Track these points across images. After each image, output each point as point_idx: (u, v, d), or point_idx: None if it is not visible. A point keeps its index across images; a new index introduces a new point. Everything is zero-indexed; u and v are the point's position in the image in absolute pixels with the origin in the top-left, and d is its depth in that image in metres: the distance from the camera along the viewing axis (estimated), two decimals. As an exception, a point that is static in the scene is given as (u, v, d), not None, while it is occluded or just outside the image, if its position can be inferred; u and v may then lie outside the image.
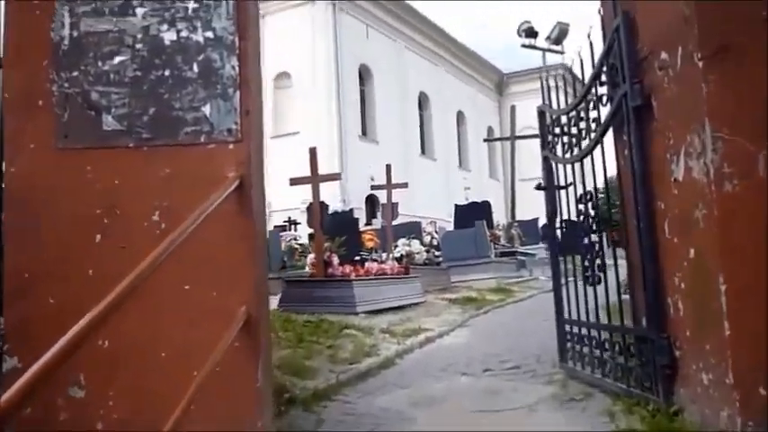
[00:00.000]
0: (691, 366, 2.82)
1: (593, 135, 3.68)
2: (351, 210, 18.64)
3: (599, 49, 3.55)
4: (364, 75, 35.56)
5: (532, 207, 39.67)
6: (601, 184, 3.81)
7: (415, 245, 11.24)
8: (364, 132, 34.96)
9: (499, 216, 46.56)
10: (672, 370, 2.98)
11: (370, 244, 16.26)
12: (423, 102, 40.77)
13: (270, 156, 32.63)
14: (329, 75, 31.93)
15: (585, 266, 3.91)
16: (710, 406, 2.65)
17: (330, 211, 30.67)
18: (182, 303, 2.47)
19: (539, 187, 4.57)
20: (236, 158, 2.51)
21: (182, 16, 2.54)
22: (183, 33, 2.54)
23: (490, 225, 15.44)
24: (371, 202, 34.24)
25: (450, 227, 38.29)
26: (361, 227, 21.29)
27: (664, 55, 2.87)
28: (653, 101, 3.00)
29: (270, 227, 30.27)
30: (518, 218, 29.34)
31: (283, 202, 31.80)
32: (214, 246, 2.48)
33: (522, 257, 16.16)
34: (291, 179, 8.81)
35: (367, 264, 8.92)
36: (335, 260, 7.88)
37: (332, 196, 32.06)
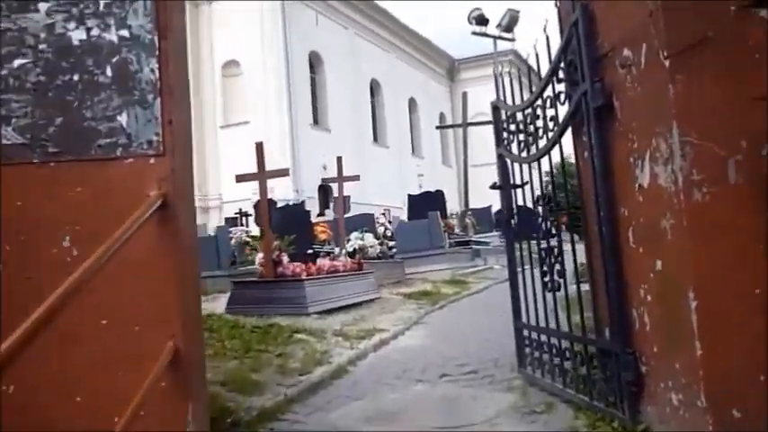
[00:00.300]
0: (659, 384, 2.65)
1: (550, 134, 3.48)
2: (302, 202, 18.27)
3: (555, 42, 3.35)
4: (315, 62, 35.06)
5: (485, 193, 39.92)
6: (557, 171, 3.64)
7: (369, 238, 11.01)
8: (316, 121, 34.54)
9: (453, 204, 46.75)
10: (638, 387, 2.80)
11: (322, 236, 15.97)
12: (374, 89, 40.49)
13: (220, 146, 32.12)
14: (279, 62, 31.37)
15: (544, 271, 3.73)
16: (681, 427, 2.48)
17: (281, 204, 30.36)
18: (99, 340, 2.18)
19: (494, 186, 4.37)
20: (157, 174, 2.22)
21: (92, 12, 2.23)
22: (94, 32, 2.23)
23: (444, 214, 15.30)
24: (324, 191, 33.87)
25: (404, 215, 38.29)
26: (314, 218, 21.00)
27: (627, 52, 2.67)
28: (615, 101, 2.80)
29: (221, 220, 29.75)
30: (471, 205, 29.41)
31: (234, 193, 31.23)
32: (135, 274, 2.20)
33: (477, 246, 16.09)
34: (237, 176, 8.47)
35: (319, 261, 8.66)
36: (285, 259, 7.60)
37: (284, 186, 31.65)
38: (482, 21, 15.14)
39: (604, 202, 2.89)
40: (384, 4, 40.72)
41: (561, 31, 3.31)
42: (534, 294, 4.07)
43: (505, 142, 4.31)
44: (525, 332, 4.25)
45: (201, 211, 31.74)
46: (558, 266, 3.57)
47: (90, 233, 2.17)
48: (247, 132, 31.62)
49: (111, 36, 2.23)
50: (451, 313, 8.40)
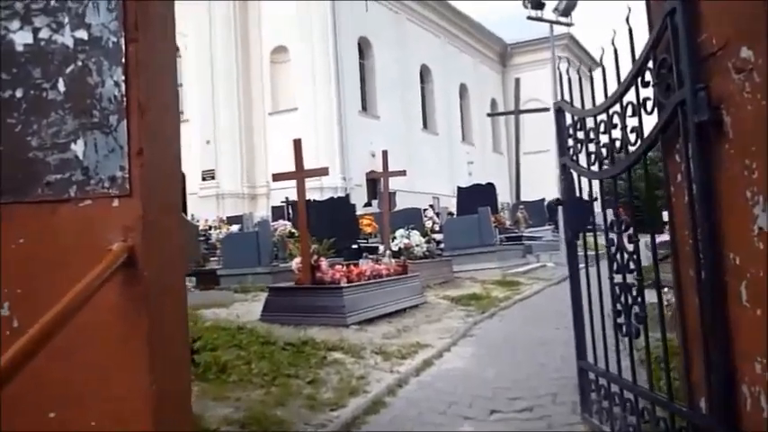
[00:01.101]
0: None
1: (631, 148, 2.84)
2: (347, 195, 17.77)
3: (640, 37, 2.70)
4: (364, 48, 34.47)
5: (537, 181, 38.93)
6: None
7: (415, 237, 10.43)
8: (364, 107, 33.99)
9: (504, 193, 45.77)
10: (745, 483, 2.18)
11: (368, 229, 15.49)
12: (424, 74, 39.68)
13: (268, 133, 31.87)
14: (327, 48, 30.86)
15: (618, 311, 3.10)
16: None
17: (325, 197, 29.99)
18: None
19: (558, 203, 3.74)
20: (122, 220, 1.69)
21: (40, 8, 1.70)
22: (44, 34, 1.70)
23: (495, 209, 14.60)
24: (373, 180, 33.34)
25: (453, 203, 37.56)
26: (361, 209, 20.52)
27: (745, 52, 2.02)
28: (725, 115, 2.16)
29: (268, 208, 29.47)
30: (523, 195, 28.54)
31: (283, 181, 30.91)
32: (91, 352, 1.68)
33: (529, 242, 15.37)
34: (275, 175, 7.99)
35: (361, 263, 8.13)
36: (324, 264, 7.08)
37: (332, 173, 31.25)
38: (538, 5, 14.34)
39: (707, 245, 2.25)
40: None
41: (650, 23, 2.65)
42: (604, 333, 3.45)
43: (571, 151, 3.67)
44: (591, 375, 3.63)
45: (249, 198, 31.62)
46: (636, 308, 2.94)
47: (35, 298, 1.66)
48: (296, 119, 31.30)
49: (65, 39, 1.70)
50: (502, 324, 7.77)
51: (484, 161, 44.88)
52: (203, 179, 31.72)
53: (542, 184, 41.15)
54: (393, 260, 8.79)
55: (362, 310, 6.98)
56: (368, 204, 18.85)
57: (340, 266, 7.45)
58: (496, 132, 47.11)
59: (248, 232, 12.32)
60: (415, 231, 10.55)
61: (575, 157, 3.63)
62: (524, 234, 15.44)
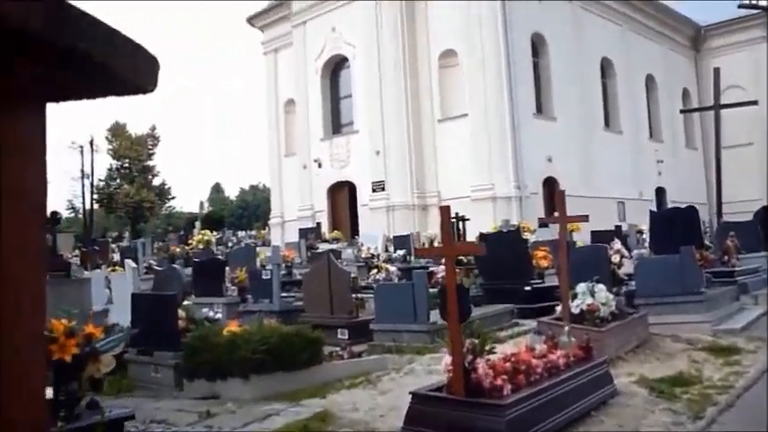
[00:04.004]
0: None
1: None
2: (517, 228, 15.96)
3: None
4: (538, 45, 32.21)
5: (737, 181, 34.19)
6: None
7: (601, 294, 8.52)
8: (539, 109, 31.75)
9: (699, 194, 41.15)
10: None
11: (543, 263, 13.64)
12: (605, 68, 36.49)
13: (438, 140, 30.67)
14: (498, 48, 29.01)
15: None
16: None
17: (498, 207, 28.09)
18: None
19: None
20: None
21: None
22: None
23: (699, 240, 12.16)
24: (550, 186, 31.04)
25: (642, 207, 34.16)
26: (534, 233, 18.60)
27: None
28: None
29: (435, 226, 28.22)
30: (725, 198, 24.82)
31: (453, 190, 29.67)
32: None
33: (741, 277, 12.72)
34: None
35: (529, 340, 6.47)
36: (481, 367, 5.53)
37: (505, 180, 29.42)
38: (752, -10, 11.71)
39: None
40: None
41: None
42: None
43: None
44: None
45: (420, 209, 30.64)
46: None
47: None
48: (466, 125, 29.83)
49: None
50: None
51: (675, 159, 40.69)
52: (373, 191, 31.21)
53: (744, 183, 36.43)
54: (573, 338, 7.02)
55: (532, 429, 5.36)
56: (543, 225, 16.89)
57: (501, 367, 5.82)
58: (689, 126, 42.50)
59: (401, 284, 11.04)
60: (600, 286, 8.64)
61: None
62: (736, 269, 12.79)
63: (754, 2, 12.90)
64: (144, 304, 8.50)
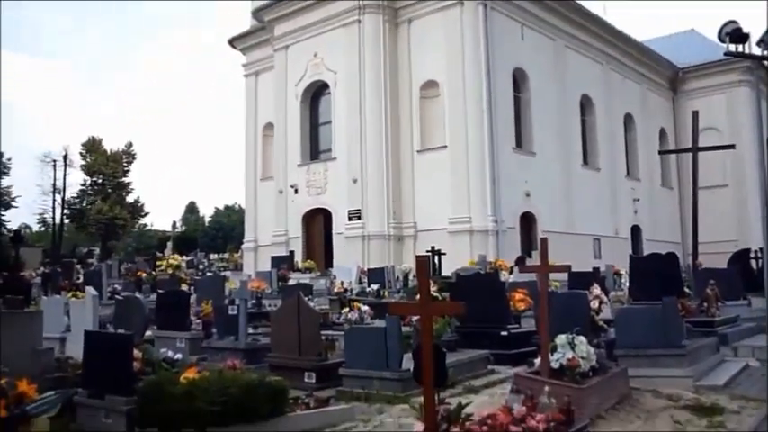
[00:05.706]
0: None
1: None
2: (495, 271, 15.60)
3: None
4: (519, 80, 32.22)
5: (714, 222, 34.36)
6: None
7: (581, 346, 8.11)
8: (519, 144, 31.64)
9: (673, 232, 41.34)
10: None
11: (521, 306, 13.28)
12: (585, 106, 36.63)
13: (416, 171, 30.39)
14: (479, 82, 28.88)
15: None
16: None
17: (475, 241, 27.74)
18: None
19: None
20: None
21: None
22: None
23: (680, 289, 11.90)
24: (528, 222, 30.87)
25: (617, 244, 33.99)
26: (511, 273, 18.26)
27: None
28: None
29: (416, 249, 27.81)
30: (700, 239, 24.74)
31: (429, 221, 29.34)
32: None
33: (722, 328, 12.44)
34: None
35: (511, 423, 6.02)
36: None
37: (482, 214, 29.16)
38: (739, 37, 11.56)
39: None
40: (596, 8, 36.85)
41: None
42: None
43: None
44: None
45: (395, 240, 30.21)
46: None
47: None
48: (445, 157, 29.59)
49: None
50: None
51: (651, 197, 40.88)
52: (350, 219, 30.74)
53: (719, 225, 36.64)
54: (553, 400, 6.60)
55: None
56: (520, 259, 16.53)
57: (477, 422, 5.37)
58: (665, 165, 42.77)
59: (374, 327, 10.57)
60: (581, 338, 8.25)
61: None
62: (716, 319, 12.51)
63: (741, 50, 12.81)
64: (97, 342, 7.94)
